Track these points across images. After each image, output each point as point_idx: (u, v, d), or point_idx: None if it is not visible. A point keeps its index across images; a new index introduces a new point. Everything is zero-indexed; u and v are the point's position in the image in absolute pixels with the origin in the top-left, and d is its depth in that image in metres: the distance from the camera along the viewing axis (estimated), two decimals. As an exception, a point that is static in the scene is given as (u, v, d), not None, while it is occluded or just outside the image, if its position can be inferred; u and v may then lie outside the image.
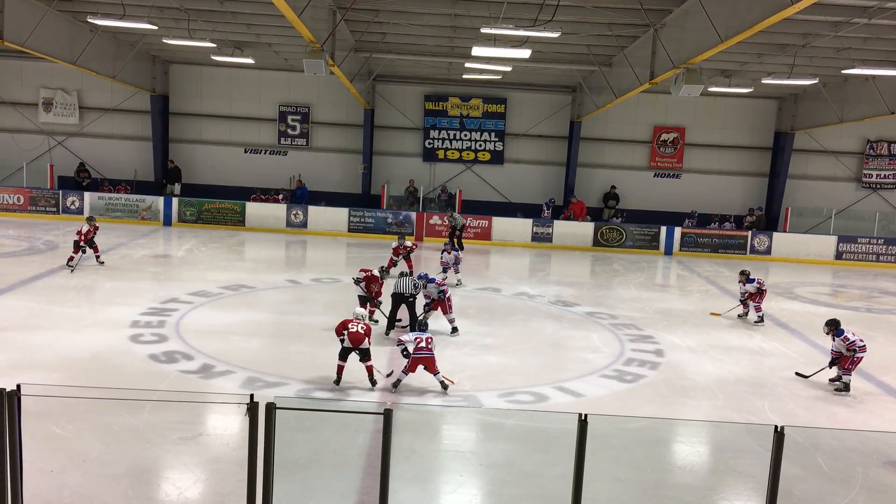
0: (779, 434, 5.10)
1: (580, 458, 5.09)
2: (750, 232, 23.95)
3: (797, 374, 11.11)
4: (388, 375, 9.64)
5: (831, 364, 10.63)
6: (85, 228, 15.65)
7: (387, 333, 11.85)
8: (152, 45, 22.58)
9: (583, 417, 5.07)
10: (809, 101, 24.18)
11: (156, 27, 17.63)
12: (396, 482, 5.27)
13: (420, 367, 9.31)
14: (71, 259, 15.49)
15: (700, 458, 8.39)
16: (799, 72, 18.74)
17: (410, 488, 6.73)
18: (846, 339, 10.48)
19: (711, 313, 14.95)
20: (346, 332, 9.20)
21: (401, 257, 16.83)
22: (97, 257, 15.95)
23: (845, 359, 10.48)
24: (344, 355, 9.32)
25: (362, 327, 9.26)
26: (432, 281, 12.33)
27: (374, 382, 9.40)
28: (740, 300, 14.66)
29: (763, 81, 20.40)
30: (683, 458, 8.21)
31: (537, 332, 13.09)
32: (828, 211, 25.18)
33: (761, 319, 14.28)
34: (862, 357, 10.52)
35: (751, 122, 26.15)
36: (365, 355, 9.29)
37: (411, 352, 9.26)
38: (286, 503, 5.62)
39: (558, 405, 9.28)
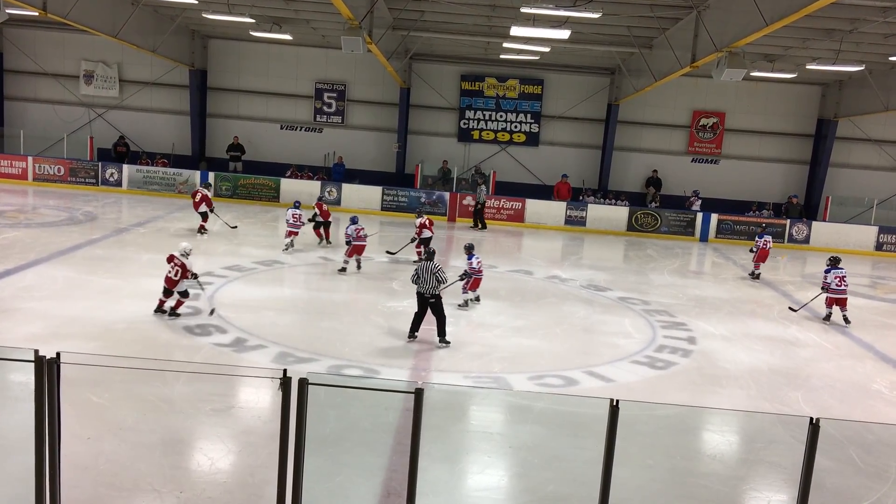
0: (814, 426, 5.02)
1: (610, 443, 5.06)
2: (788, 220, 23.52)
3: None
4: (211, 314, 10.92)
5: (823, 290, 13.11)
6: (208, 192, 17.56)
7: (409, 338, 10.63)
8: (192, 20, 22.72)
9: (614, 403, 5.03)
10: (854, 87, 23.61)
11: (196, 1, 17.73)
12: (425, 460, 5.28)
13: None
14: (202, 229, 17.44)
15: (731, 447, 8.32)
16: (845, 58, 18.29)
17: (438, 467, 6.76)
18: (825, 277, 13.08)
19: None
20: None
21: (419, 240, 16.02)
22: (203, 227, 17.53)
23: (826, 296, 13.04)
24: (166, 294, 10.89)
25: (176, 272, 10.57)
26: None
27: (171, 313, 10.74)
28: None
29: (807, 67, 19.91)
30: (714, 447, 8.15)
31: (569, 315, 13.04)
32: (869, 201, 24.61)
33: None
34: (833, 298, 13.02)
35: (793, 108, 25.60)
36: (166, 294, 10.74)
37: (469, 272, 12.13)
38: (316, 477, 5.68)
39: (588, 390, 9.25)
